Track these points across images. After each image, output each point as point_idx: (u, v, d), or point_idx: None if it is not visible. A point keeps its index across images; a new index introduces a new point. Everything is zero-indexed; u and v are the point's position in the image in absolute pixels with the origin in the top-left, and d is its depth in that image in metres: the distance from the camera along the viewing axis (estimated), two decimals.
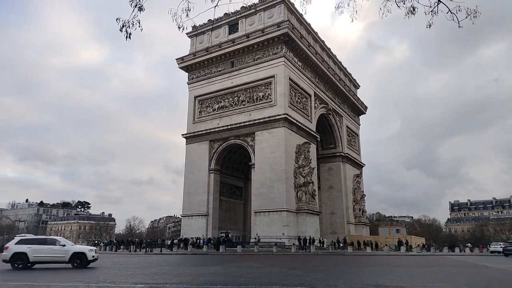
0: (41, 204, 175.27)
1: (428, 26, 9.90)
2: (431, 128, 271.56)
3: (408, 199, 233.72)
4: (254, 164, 51.56)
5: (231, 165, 60.58)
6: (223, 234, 52.71)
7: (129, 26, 8.69)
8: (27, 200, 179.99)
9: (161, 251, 48.29)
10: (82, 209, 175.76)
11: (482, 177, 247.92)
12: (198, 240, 49.83)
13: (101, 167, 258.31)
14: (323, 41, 66.55)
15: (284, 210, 47.04)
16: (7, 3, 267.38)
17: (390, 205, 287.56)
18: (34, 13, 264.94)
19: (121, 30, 8.70)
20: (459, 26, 9.73)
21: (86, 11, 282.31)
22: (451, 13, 9.40)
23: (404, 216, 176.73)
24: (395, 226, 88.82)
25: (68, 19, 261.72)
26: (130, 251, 51.70)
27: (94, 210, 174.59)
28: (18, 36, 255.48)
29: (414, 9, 9.57)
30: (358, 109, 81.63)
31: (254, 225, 49.30)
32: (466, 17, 9.42)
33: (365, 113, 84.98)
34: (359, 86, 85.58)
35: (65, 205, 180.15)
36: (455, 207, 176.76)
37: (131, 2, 8.57)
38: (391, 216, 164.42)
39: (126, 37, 8.78)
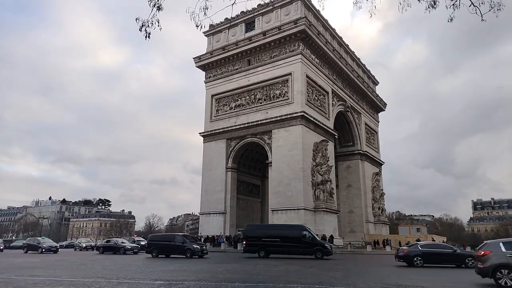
0: (64, 201, 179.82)
1: (449, 20, 9.63)
2: (446, 128, 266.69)
3: (424, 199, 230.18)
4: (271, 162, 51.43)
5: (248, 163, 60.66)
6: (241, 232, 52.91)
7: (148, 26, 8.78)
8: (50, 198, 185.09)
9: None
10: (103, 207, 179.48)
11: (499, 177, 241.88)
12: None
13: (122, 166, 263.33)
14: (340, 38, 65.71)
15: (301, 209, 46.81)
16: (30, 9, 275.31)
17: (406, 205, 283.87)
18: (56, 19, 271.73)
19: (140, 30, 8.80)
20: (482, 20, 9.43)
21: (106, 15, 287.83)
22: (474, 6, 9.13)
23: (424, 215, 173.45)
24: (415, 225, 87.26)
25: (89, 23, 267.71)
26: None
27: (115, 208, 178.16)
28: (42, 41, 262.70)
29: (435, 3, 9.33)
30: (377, 106, 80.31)
31: (271, 223, 49.21)
32: (490, 10, 9.13)
33: (384, 110, 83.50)
34: (378, 83, 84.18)
35: (87, 202, 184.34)
36: (478, 205, 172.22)
37: (149, 2, 8.66)
38: (411, 215, 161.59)
39: (146, 37, 8.88)
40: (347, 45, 68.01)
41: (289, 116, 50.06)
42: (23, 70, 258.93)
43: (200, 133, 59.40)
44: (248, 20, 57.98)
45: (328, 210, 49.94)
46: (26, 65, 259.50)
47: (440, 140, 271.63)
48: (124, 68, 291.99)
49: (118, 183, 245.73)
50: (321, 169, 50.48)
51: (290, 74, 51.75)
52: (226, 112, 57.54)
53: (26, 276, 15.01)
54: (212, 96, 59.68)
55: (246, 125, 53.94)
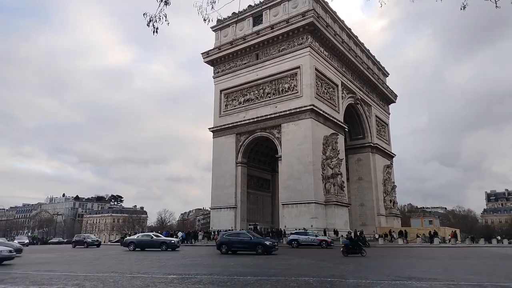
0: (77, 198, 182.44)
1: (462, 8, 9.41)
2: (451, 122, 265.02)
3: (431, 191, 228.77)
4: (281, 157, 51.37)
5: (258, 158, 60.67)
6: (252, 226, 53.13)
7: (156, 21, 8.75)
8: (63, 195, 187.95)
9: (191, 243, 49.38)
10: (115, 203, 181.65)
11: (505, 169, 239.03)
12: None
13: (132, 163, 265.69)
14: (349, 29, 64.94)
15: (312, 202, 46.74)
16: (39, 12, 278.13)
17: (415, 198, 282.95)
18: (64, 21, 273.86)
19: (148, 25, 8.78)
20: (496, 6, 9.20)
21: (113, 16, 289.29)
22: None
23: (437, 207, 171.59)
24: (427, 217, 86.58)
25: (97, 25, 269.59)
26: None
27: (127, 204, 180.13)
28: (50, 42, 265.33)
29: None
30: (387, 98, 79.40)
31: (282, 217, 49.32)
32: None
33: (395, 102, 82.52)
34: (388, 74, 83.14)
35: (99, 199, 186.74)
36: (491, 197, 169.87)
37: None
38: (423, 207, 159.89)
39: (153, 32, 8.85)
40: (356, 37, 67.19)
41: (298, 109, 49.83)
42: (32, 71, 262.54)
43: (209, 128, 59.53)
44: (255, 14, 57.66)
45: (339, 203, 49.77)
46: (36, 66, 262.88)
47: (446, 134, 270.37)
48: (132, 67, 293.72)
49: (132, 180, 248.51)
50: (331, 162, 50.24)
51: (298, 67, 51.43)
52: (235, 107, 57.51)
53: (43, 271, 15.29)
54: (221, 91, 59.68)
55: (255, 119, 53.88)
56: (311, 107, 49.17)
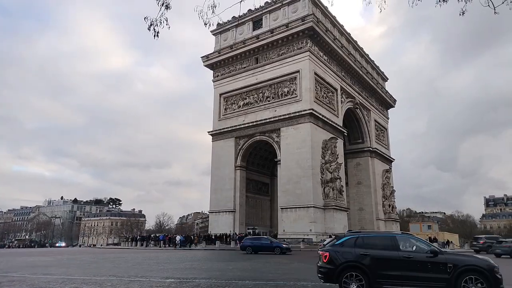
0: (75, 201, 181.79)
1: (461, 14, 9.44)
2: (448, 128, 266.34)
3: (429, 197, 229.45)
4: (280, 161, 51.30)
5: (257, 162, 60.62)
6: (250, 230, 52.98)
7: (156, 25, 8.78)
8: (62, 198, 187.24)
9: (190, 246, 49.25)
10: (114, 206, 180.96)
11: (501, 175, 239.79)
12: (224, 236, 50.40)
13: (132, 167, 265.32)
14: (349, 34, 65.16)
15: (311, 206, 46.64)
16: (41, 14, 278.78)
17: (413, 203, 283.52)
18: (66, 23, 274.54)
19: (149, 29, 8.80)
20: (495, 12, 9.23)
21: (115, 20, 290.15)
22: None
23: (435, 212, 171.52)
24: (426, 222, 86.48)
25: (98, 28, 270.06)
26: (160, 247, 53.02)
27: (126, 207, 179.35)
28: (52, 45, 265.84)
29: None
30: (386, 103, 79.54)
31: (281, 221, 49.17)
32: (503, 2, 8.93)
33: (394, 106, 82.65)
34: (387, 79, 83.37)
35: (98, 202, 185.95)
36: (490, 202, 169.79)
37: (158, 1, 8.67)
38: (422, 212, 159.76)
39: (154, 36, 8.88)
40: (356, 42, 67.43)
41: (297, 113, 49.85)
42: (33, 73, 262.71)
43: (208, 132, 59.50)
44: (255, 18, 57.84)
45: (337, 207, 49.69)
46: (37, 68, 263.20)
47: (443, 139, 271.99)
48: (133, 71, 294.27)
49: (131, 184, 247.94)
50: (330, 166, 50.20)
51: (298, 71, 51.51)
52: (235, 111, 57.53)
53: (40, 275, 15.22)
54: (220, 95, 59.72)
55: (254, 123, 53.88)
56: (310, 111, 49.21)
